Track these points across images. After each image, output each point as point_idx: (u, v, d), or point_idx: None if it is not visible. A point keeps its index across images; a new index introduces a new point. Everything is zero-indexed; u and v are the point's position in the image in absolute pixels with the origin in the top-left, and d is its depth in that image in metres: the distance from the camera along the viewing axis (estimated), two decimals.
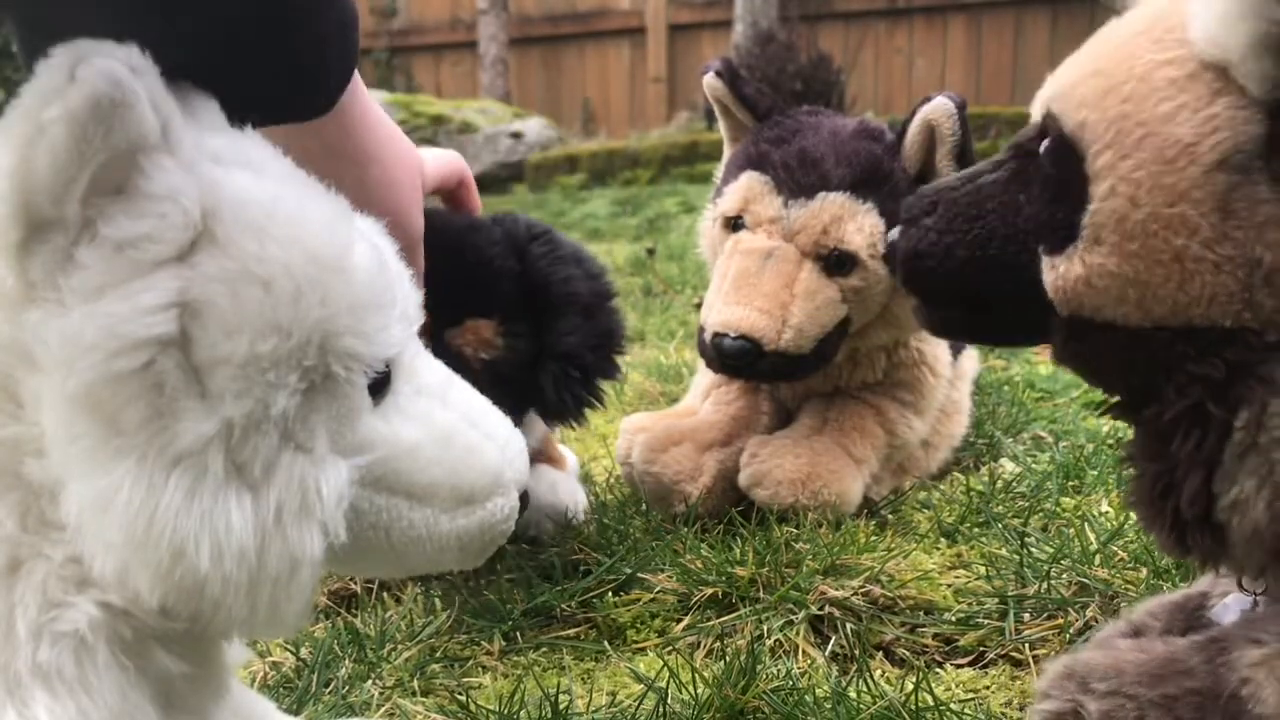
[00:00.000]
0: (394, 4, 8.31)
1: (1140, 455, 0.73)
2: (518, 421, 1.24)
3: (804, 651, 1.04)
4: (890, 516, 1.38)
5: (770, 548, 1.18)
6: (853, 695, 0.93)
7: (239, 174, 0.58)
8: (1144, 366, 0.70)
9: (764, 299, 1.29)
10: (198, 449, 0.55)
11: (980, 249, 0.76)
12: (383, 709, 0.98)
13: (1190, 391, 0.67)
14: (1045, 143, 0.73)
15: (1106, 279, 0.68)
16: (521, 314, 1.17)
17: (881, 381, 1.46)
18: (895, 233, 0.83)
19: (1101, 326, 0.70)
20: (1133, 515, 1.23)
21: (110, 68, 0.49)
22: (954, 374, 1.54)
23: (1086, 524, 1.25)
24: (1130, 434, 0.76)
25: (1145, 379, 0.70)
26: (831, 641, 1.05)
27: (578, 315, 1.19)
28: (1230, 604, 0.78)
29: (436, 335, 1.12)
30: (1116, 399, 0.76)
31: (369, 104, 0.94)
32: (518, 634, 1.11)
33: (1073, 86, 0.70)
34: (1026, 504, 1.35)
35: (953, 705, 0.91)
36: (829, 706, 0.91)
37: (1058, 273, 0.71)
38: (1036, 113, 0.76)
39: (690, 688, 0.95)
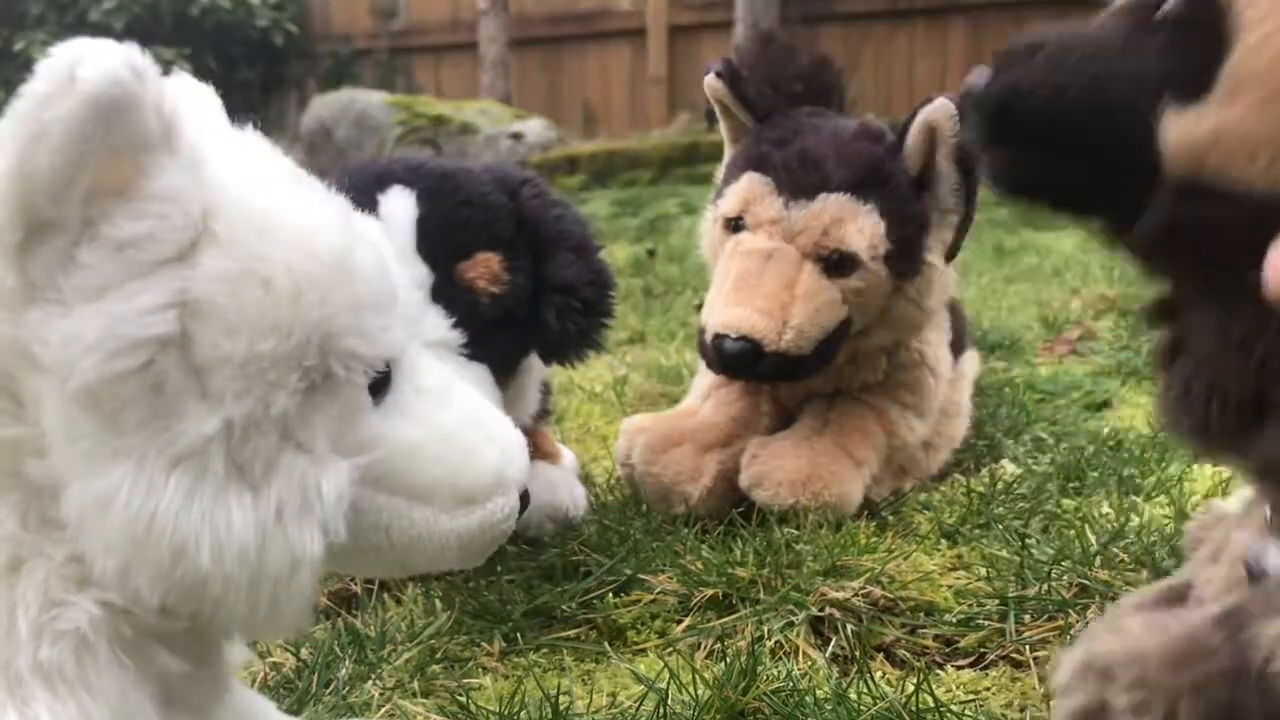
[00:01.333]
0: (394, 5, 8.32)
1: (1214, 347, 0.68)
2: (520, 358, 1.27)
3: (804, 653, 1.04)
4: (891, 518, 1.38)
5: (771, 549, 1.18)
6: (853, 696, 0.93)
7: (240, 174, 0.58)
8: (1253, 243, 0.64)
9: (765, 300, 1.29)
10: (198, 449, 0.55)
11: (1098, 91, 0.69)
12: (383, 710, 0.98)
13: None
14: None
15: (1239, 138, 0.63)
16: (519, 251, 1.21)
17: (882, 383, 1.46)
18: (978, 78, 0.75)
19: (1217, 194, 0.64)
20: (1135, 518, 1.24)
21: (111, 68, 0.49)
22: (955, 375, 1.54)
23: (1087, 525, 1.24)
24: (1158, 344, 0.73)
25: (1248, 258, 0.64)
26: (832, 643, 1.05)
27: (571, 251, 1.23)
28: (1273, 550, 0.74)
29: (446, 272, 1.14)
30: (1173, 298, 0.72)
31: None
32: (518, 635, 1.11)
33: None
34: (1027, 505, 1.35)
35: (953, 707, 0.91)
36: (829, 708, 0.91)
37: (1184, 126, 0.65)
38: None
39: (691, 689, 0.95)
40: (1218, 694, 0.64)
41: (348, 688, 1.02)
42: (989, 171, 0.77)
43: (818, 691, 0.94)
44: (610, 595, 1.16)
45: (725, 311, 1.30)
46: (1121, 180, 0.70)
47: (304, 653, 1.08)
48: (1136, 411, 1.80)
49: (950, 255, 1.39)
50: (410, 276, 1.05)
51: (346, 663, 1.05)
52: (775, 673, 0.98)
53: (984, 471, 1.52)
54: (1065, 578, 1.11)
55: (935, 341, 1.47)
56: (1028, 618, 1.07)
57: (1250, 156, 0.63)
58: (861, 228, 1.30)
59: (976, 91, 0.75)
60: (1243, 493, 0.83)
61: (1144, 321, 0.76)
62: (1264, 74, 0.61)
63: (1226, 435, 0.68)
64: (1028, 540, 1.21)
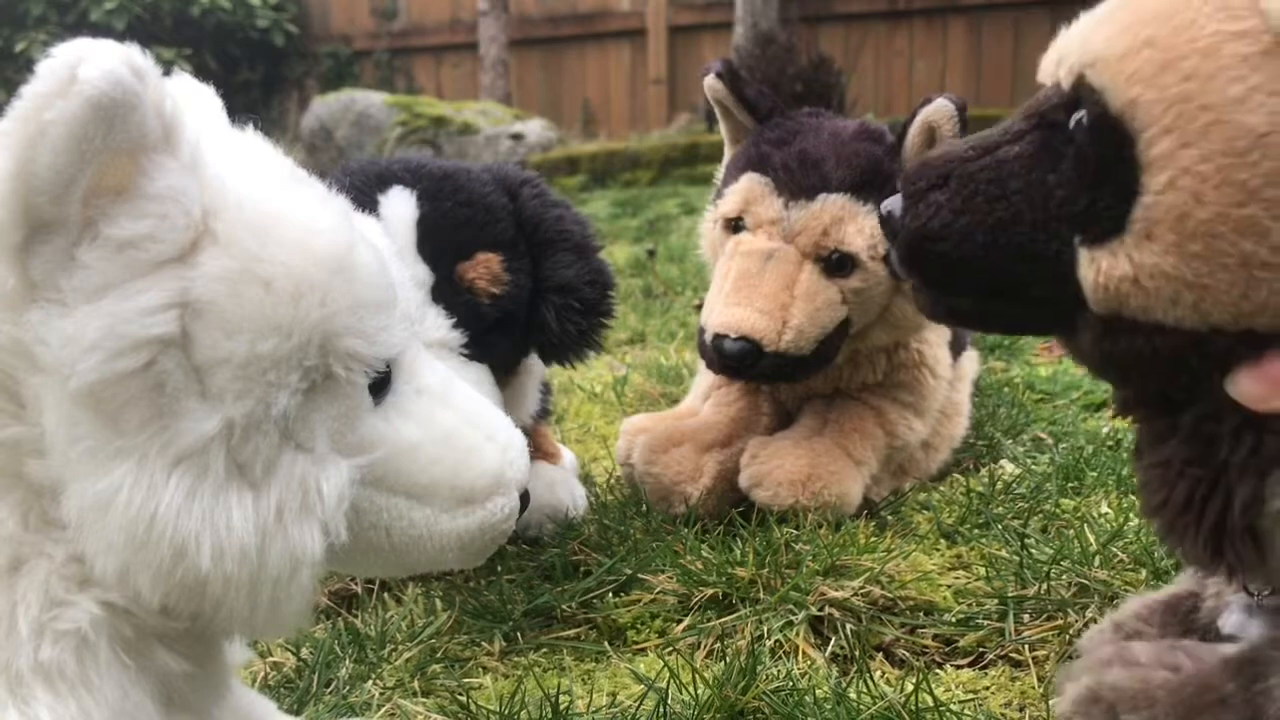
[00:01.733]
0: (394, 5, 8.32)
1: (1175, 461, 0.67)
2: (520, 359, 1.27)
3: (804, 652, 1.04)
4: (890, 517, 1.38)
5: (770, 548, 1.18)
6: (853, 696, 0.93)
7: (241, 174, 0.58)
8: (1192, 370, 0.63)
9: (764, 300, 1.29)
10: (199, 449, 0.55)
11: (1003, 234, 0.67)
12: (383, 709, 0.98)
13: (1251, 413, 0.61)
14: (1079, 116, 0.64)
15: (1159, 280, 0.60)
16: (519, 252, 1.21)
17: (882, 383, 1.46)
18: (894, 204, 0.73)
19: (1144, 327, 0.62)
20: (1134, 518, 1.24)
21: (112, 68, 0.49)
22: (954, 375, 1.54)
23: (1086, 525, 1.25)
24: (1134, 437, 0.73)
25: (1190, 382, 0.64)
26: (831, 642, 1.05)
27: (571, 252, 1.23)
28: (1234, 610, 0.75)
29: (446, 272, 1.15)
30: (1131, 400, 0.71)
31: None
32: (518, 634, 1.11)
33: (1118, 58, 0.61)
34: (1026, 505, 1.35)
35: (952, 706, 0.91)
36: (829, 707, 0.91)
37: (1099, 268, 0.62)
38: (1058, 75, 0.67)
39: (690, 688, 0.95)
40: None
41: (348, 687, 1.02)
42: (923, 311, 0.76)
43: (817, 691, 0.94)
44: (610, 595, 1.16)
45: (725, 312, 1.30)
46: (1046, 312, 0.69)
47: (304, 652, 1.08)
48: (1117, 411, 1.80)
49: None
50: (410, 276, 1.05)
51: (347, 662, 1.05)
52: (775, 672, 0.98)
53: (983, 471, 1.52)
54: (1064, 577, 1.11)
55: (934, 341, 1.48)
56: (1027, 617, 1.07)
57: (1173, 299, 0.60)
58: (861, 228, 1.30)
59: (890, 224, 0.73)
60: None
61: (1116, 417, 0.75)
62: (1177, 217, 0.58)
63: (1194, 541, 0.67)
64: (1027, 540, 1.21)
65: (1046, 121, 0.68)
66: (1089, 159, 0.63)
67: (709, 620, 1.10)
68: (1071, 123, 0.65)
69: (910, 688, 0.92)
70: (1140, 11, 0.61)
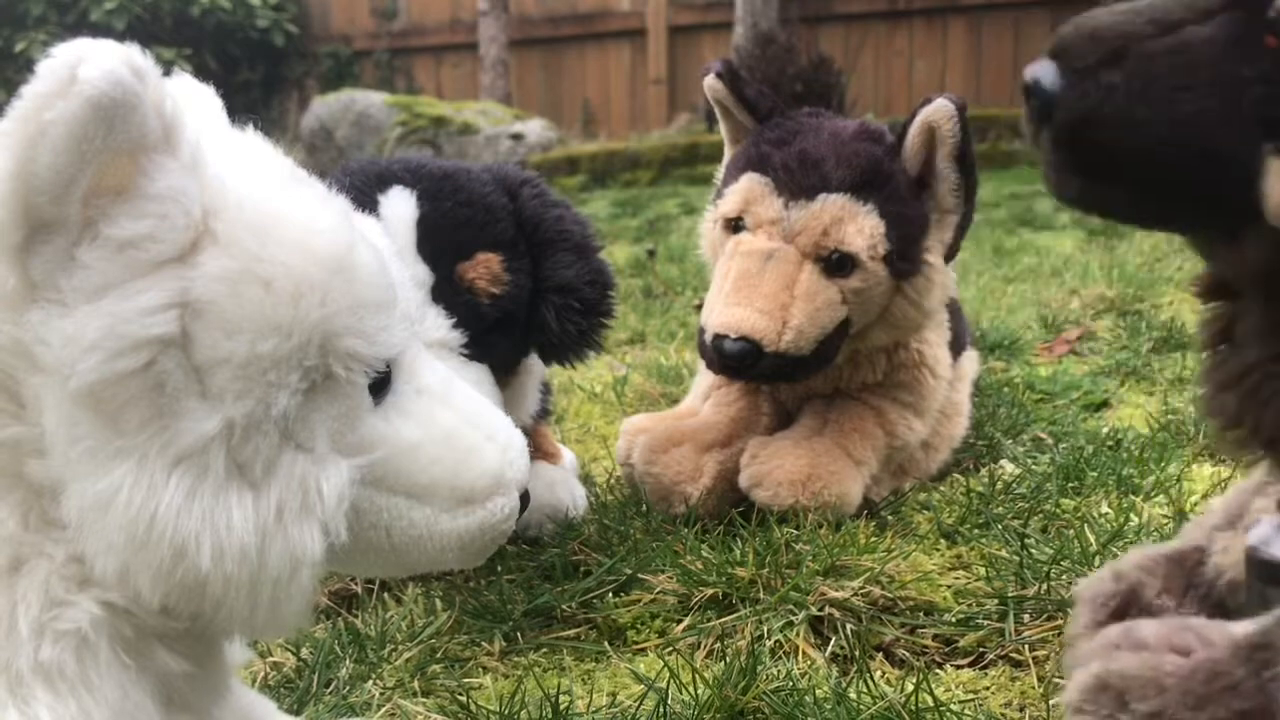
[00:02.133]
0: (394, 5, 8.33)
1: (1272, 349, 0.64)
2: (520, 359, 1.27)
3: (804, 652, 1.04)
4: (890, 517, 1.38)
5: (770, 548, 1.18)
6: (853, 696, 0.93)
7: (241, 174, 0.58)
8: None
9: (764, 300, 1.29)
10: (199, 449, 0.55)
11: (1184, 130, 0.60)
12: (383, 709, 0.98)
13: None
14: None
15: None
16: (519, 252, 1.21)
17: (882, 383, 1.46)
18: (1045, 73, 0.65)
19: None
20: (1134, 517, 1.24)
21: (112, 68, 0.49)
22: (954, 375, 1.54)
23: (1086, 525, 1.25)
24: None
25: None
26: (831, 642, 1.05)
27: (571, 252, 1.23)
28: (1265, 524, 0.72)
29: (446, 272, 1.15)
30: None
31: None
32: (518, 634, 1.11)
33: None
34: (1026, 505, 1.35)
35: (952, 706, 0.91)
36: (829, 707, 0.91)
37: None
38: None
39: (690, 688, 0.95)
40: None
41: (348, 687, 1.02)
42: (1057, 191, 0.68)
43: (817, 691, 0.94)
44: (610, 595, 1.16)
45: (725, 312, 1.30)
46: (1212, 215, 0.63)
47: (304, 652, 1.08)
48: (1135, 411, 1.81)
49: (949, 255, 1.39)
50: (410, 276, 1.05)
51: (347, 662, 1.06)
52: (775, 672, 0.98)
53: (983, 471, 1.52)
54: (1064, 577, 1.11)
55: (934, 342, 1.48)
56: (1027, 617, 1.07)
57: None
58: (861, 228, 1.30)
59: (1042, 97, 0.65)
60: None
61: (1197, 295, 0.70)
62: None
63: (1260, 427, 0.65)
64: (1027, 540, 1.21)
65: (1243, 1, 0.60)
66: None
67: (709, 620, 1.10)
68: (1273, 10, 0.57)
69: (910, 688, 0.92)
70: None
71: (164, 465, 0.54)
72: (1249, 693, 0.62)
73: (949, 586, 1.14)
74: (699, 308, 1.55)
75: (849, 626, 1.06)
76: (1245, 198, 0.59)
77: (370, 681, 1.03)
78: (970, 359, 1.65)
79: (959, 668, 1.02)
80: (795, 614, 1.08)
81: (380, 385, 0.63)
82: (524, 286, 1.21)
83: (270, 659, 1.07)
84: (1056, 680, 0.95)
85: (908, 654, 1.04)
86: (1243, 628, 0.68)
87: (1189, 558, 0.80)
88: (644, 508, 1.38)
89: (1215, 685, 0.64)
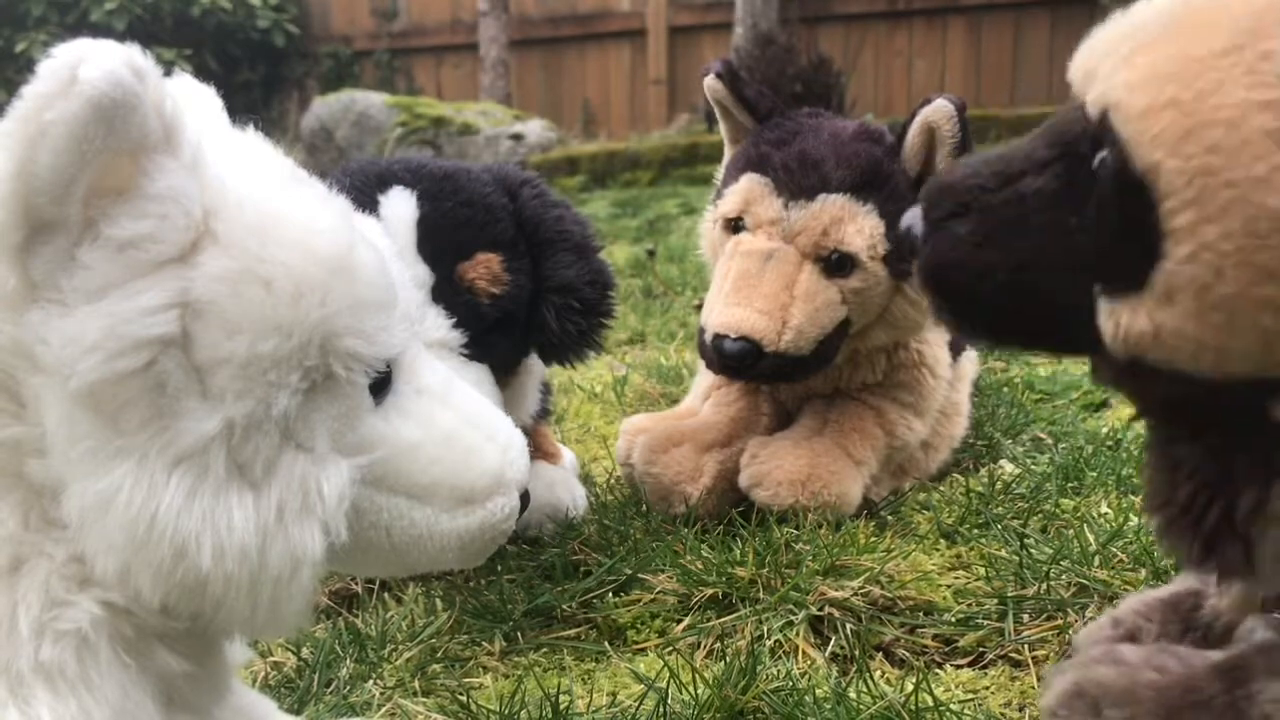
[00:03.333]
0: (394, 6, 8.32)
1: (1184, 462, 0.67)
2: (520, 359, 1.27)
3: (804, 652, 1.04)
4: (890, 517, 1.38)
5: (770, 548, 1.19)
6: (853, 696, 0.93)
7: (241, 174, 0.58)
8: (1209, 406, 0.63)
9: (764, 300, 1.29)
10: (199, 448, 0.55)
11: (1023, 273, 0.66)
12: (384, 709, 0.98)
13: (1264, 428, 0.60)
14: (1103, 157, 0.62)
15: (1179, 340, 0.59)
16: (519, 252, 1.21)
17: (881, 383, 1.46)
18: (914, 221, 0.72)
19: (1164, 373, 0.61)
20: (1134, 517, 1.24)
21: (112, 68, 0.49)
22: (954, 375, 1.54)
23: (1086, 525, 1.25)
24: (1146, 438, 0.72)
25: (1208, 415, 0.64)
26: (831, 642, 1.05)
27: (571, 252, 1.23)
28: (1257, 629, 0.74)
29: (446, 272, 1.15)
30: (1149, 410, 0.71)
31: None
32: (518, 634, 1.12)
33: (1141, 114, 0.59)
34: (1026, 505, 1.35)
35: (952, 706, 0.91)
36: (829, 707, 0.91)
37: (1118, 321, 0.61)
38: (1085, 91, 0.64)
39: (690, 688, 0.95)
40: None
41: (348, 687, 1.02)
42: (938, 322, 0.77)
43: (817, 691, 0.95)
44: (610, 595, 1.16)
45: (725, 312, 1.30)
46: (1065, 344, 0.70)
47: (305, 652, 1.08)
48: (1135, 411, 1.80)
49: None
50: (410, 276, 1.05)
51: (347, 662, 1.06)
52: (775, 672, 0.98)
53: (983, 471, 1.52)
54: (1064, 577, 1.11)
55: (934, 342, 1.48)
56: (1026, 617, 1.07)
57: (1193, 356, 0.59)
58: (861, 228, 1.30)
59: (912, 244, 0.72)
60: None
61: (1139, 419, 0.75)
62: (1199, 288, 0.57)
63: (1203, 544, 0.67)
64: (1026, 540, 1.21)
65: (1072, 153, 0.65)
66: (1111, 214, 0.62)
67: (709, 620, 1.10)
68: (1096, 161, 0.63)
69: (910, 688, 0.92)
70: (1163, 64, 0.59)
71: (164, 465, 0.54)
72: (1220, 709, 0.64)
73: (949, 586, 1.14)
74: (699, 308, 1.55)
75: (849, 626, 1.06)
76: (1087, 332, 0.64)
77: (371, 681, 1.03)
78: (970, 359, 1.65)
79: (959, 667, 1.02)
80: (795, 614, 1.08)
81: (381, 385, 0.63)
82: (524, 287, 1.21)
83: (270, 659, 1.07)
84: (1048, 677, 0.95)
85: (907, 654, 1.04)
86: (1221, 653, 0.70)
87: (1185, 601, 0.81)
88: (644, 508, 1.38)
89: (1189, 699, 0.65)
